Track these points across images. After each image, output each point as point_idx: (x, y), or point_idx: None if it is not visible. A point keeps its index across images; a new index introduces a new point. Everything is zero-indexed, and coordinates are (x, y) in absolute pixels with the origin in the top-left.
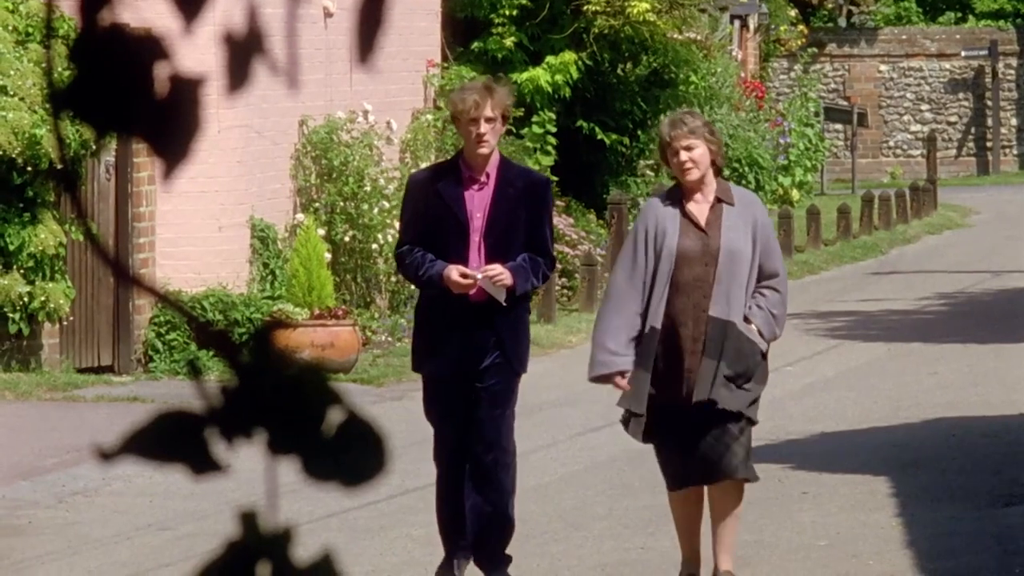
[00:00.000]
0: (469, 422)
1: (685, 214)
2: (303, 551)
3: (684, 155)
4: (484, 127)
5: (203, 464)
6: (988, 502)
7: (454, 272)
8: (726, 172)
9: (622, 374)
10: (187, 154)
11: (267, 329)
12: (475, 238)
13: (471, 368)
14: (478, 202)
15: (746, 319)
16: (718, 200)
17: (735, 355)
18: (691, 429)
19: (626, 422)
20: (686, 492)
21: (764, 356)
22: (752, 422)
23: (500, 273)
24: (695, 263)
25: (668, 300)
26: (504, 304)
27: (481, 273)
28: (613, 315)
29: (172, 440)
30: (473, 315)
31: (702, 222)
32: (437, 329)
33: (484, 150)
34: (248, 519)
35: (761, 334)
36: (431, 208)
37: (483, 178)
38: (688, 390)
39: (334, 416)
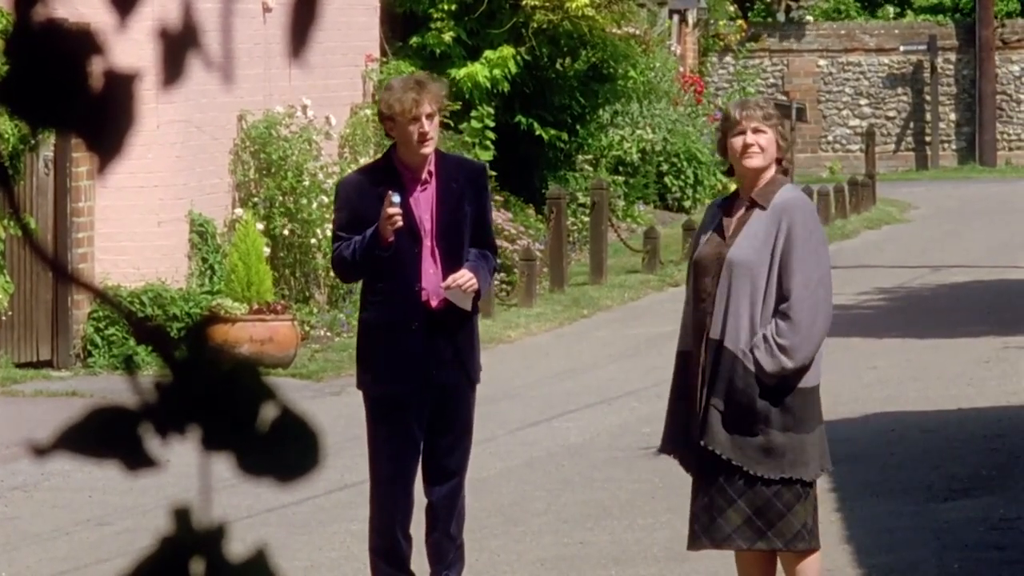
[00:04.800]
0: (426, 450)
1: (722, 218)
2: (241, 546)
3: (751, 137)
4: (427, 125)
5: (137, 460)
6: (927, 497)
7: (386, 210)
8: (664, 167)
9: None
10: (122, 149)
11: (202, 324)
12: (427, 242)
13: (430, 385)
14: (424, 203)
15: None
16: (752, 202)
17: (728, 390)
18: (701, 477)
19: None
20: (740, 556)
21: (796, 395)
22: (770, 481)
23: (470, 280)
24: (707, 275)
25: (691, 318)
26: (469, 310)
27: (450, 283)
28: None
29: (105, 436)
30: (432, 325)
31: (730, 227)
32: (391, 341)
33: (428, 149)
34: (181, 515)
35: (759, 366)
36: (374, 214)
37: (425, 176)
38: (696, 428)
39: (268, 412)
